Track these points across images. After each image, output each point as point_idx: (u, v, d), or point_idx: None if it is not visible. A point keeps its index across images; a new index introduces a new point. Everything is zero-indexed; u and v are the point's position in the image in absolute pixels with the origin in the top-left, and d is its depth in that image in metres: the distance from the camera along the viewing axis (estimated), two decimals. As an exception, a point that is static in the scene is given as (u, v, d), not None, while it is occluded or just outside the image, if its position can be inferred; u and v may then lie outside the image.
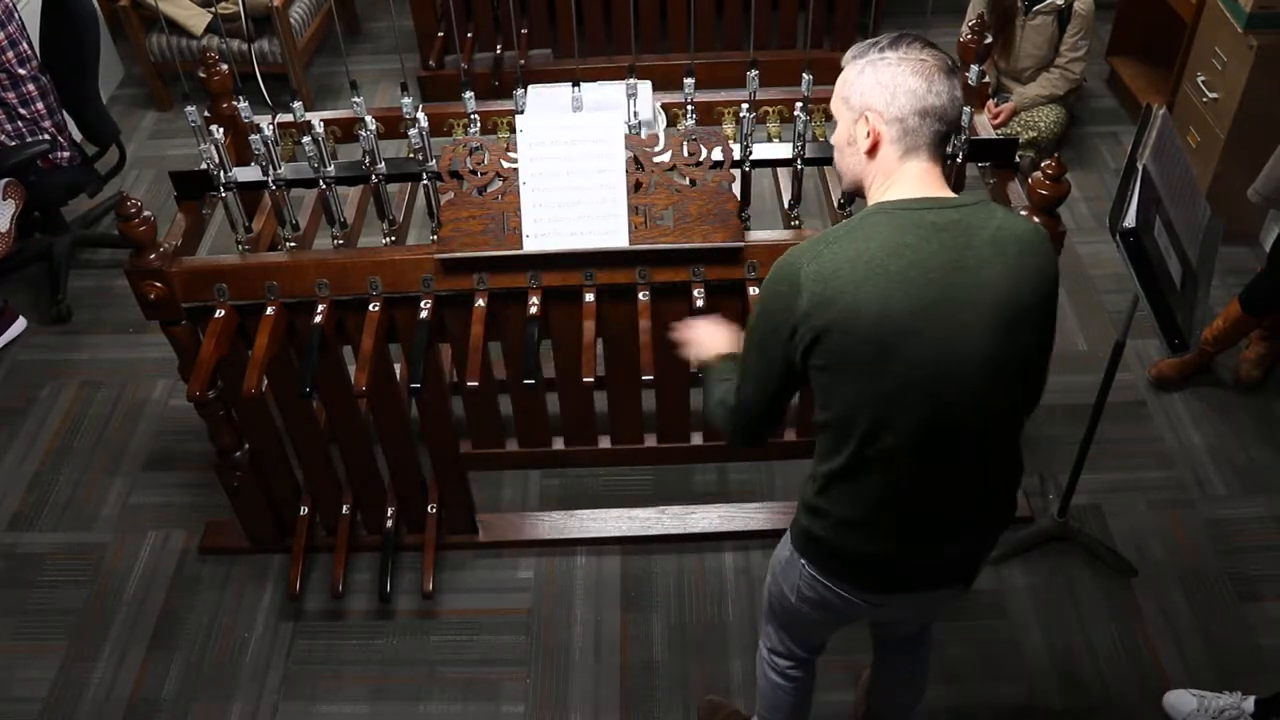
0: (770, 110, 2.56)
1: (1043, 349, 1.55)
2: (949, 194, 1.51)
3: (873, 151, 1.51)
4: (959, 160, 2.29)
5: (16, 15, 3.19)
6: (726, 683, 2.46)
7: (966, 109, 2.22)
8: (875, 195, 1.53)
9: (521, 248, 2.14)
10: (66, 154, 3.41)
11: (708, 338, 1.83)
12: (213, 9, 4.19)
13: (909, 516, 1.59)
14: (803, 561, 1.72)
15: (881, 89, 1.47)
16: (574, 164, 2.11)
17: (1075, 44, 3.68)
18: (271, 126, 2.26)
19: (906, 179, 1.50)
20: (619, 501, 2.83)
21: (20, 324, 3.46)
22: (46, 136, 3.30)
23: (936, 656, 2.49)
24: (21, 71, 3.19)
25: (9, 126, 3.25)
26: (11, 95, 3.20)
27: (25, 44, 3.21)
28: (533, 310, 2.19)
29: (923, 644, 2.08)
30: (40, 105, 3.26)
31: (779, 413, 1.64)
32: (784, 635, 1.97)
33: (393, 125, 2.47)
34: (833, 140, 1.58)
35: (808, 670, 2.04)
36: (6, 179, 3.32)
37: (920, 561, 1.65)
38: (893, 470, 1.54)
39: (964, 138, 2.24)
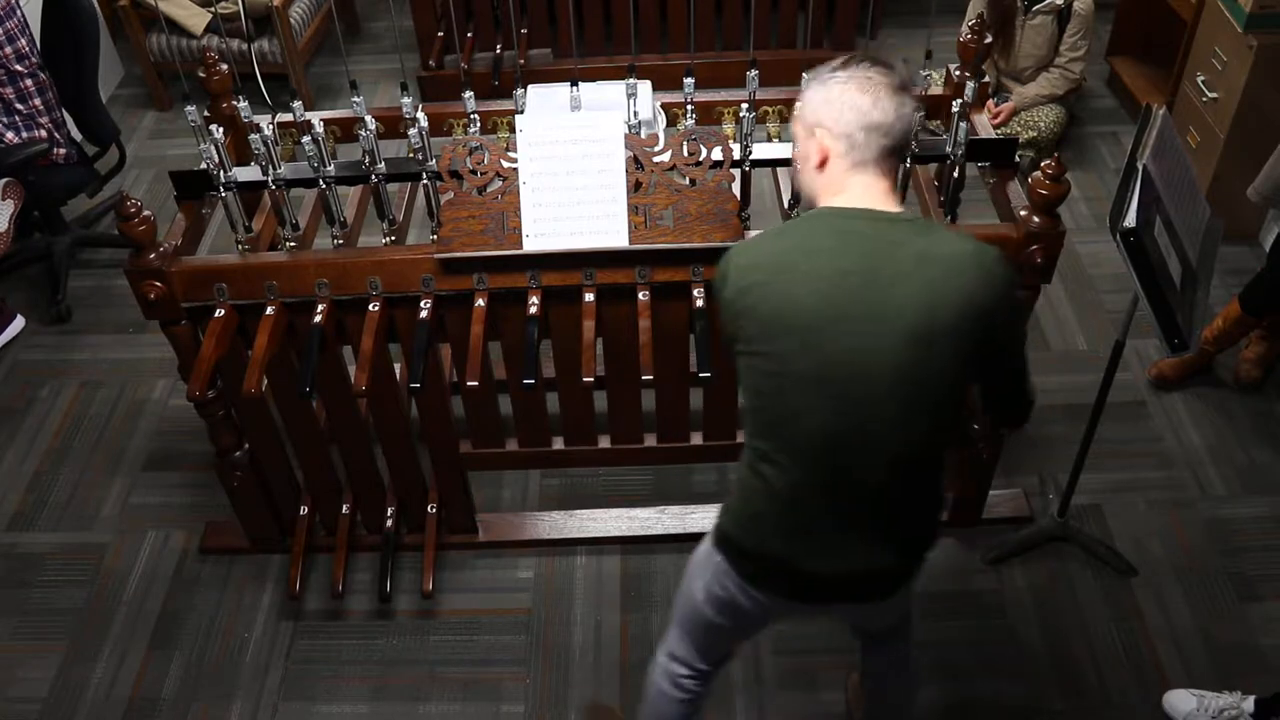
0: (770, 110, 2.56)
1: (958, 375, 1.52)
2: (893, 209, 1.56)
3: (823, 166, 1.57)
4: (958, 161, 2.29)
5: (17, 11, 3.18)
6: (726, 682, 2.46)
7: (966, 111, 2.21)
8: (819, 204, 1.60)
9: (521, 247, 2.14)
10: (63, 150, 3.41)
11: None
12: (213, 9, 4.19)
13: (808, 519, 1.61)
14: (718, 558, 1.74)
15: (829, 106, 1.55)
16: (574, 164, 2.11)
17: (1075, 44, 3.69)
18: (271, 126, 2.26)
19: (852, 191, 1.56)
20: (619, 501, 2.83)
21: (19, 323, 3.46)
22: (43, 133, 3.30)
23: (936, 656, 2.50)
24: (19, 68, 3.19)
25: (3, 121, 3.24)
26: (9, 91, 3.20)
27: (24, 40, 3.20)
28: (532, 310, 2.19)
29: (896, 644, 2.04)
30: (37, 101, 3.26)
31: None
32: (688, 640, 1.92)
33: (393, 125, 2.47)
34: (792, 157, 1.64)
35: (703, 685, 1.96)
36: (6, 179, 3.32)
37: (819, 571, 1.65)
38: (795, 468, 1.57)
39: (963, 138, 2.24)
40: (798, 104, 1.61)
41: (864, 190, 1.55)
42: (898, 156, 1.58)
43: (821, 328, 1.47)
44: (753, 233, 2.23)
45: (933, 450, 1.61)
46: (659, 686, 1.97)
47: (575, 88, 2.28)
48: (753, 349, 1.53)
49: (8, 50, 3.14)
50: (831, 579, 1.66)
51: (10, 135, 3.26)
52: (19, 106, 3.24)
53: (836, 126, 1.54)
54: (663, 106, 2.53)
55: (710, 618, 1.83)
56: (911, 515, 1.66)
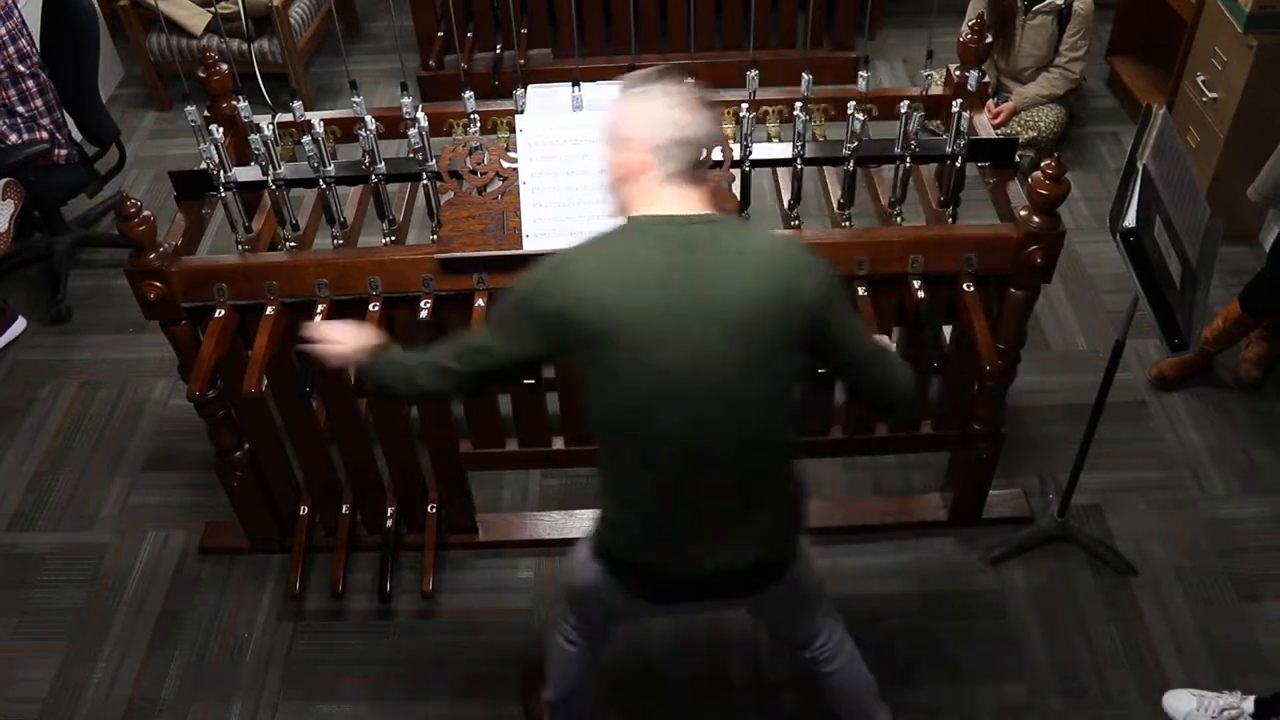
0: (770, 110, 2.56)
1: (789, 364, 1.59)
2: (705, 212, 1.60)
3: (635, 178, 1.60)
4: (958, 161, 2.29)
5: (16, 11, 3.19)
6: (726, 682, 2.46)
7: (966, 111, 2.22)
8: (632, 213, 1.62)
9: (521, 247, 2.14)
10: (64, 152, 3.41)
11: (350, 333, 1.83)
12: (213, 9, 4.18)
13: (668, 522, 1.66)
14: (595, 564, 1.80)
15: (641, 120, 1.58)
16: (574, 164, 2.11)
17: (1075, 44, 3.69)
18: (271, 126, 2.26)
19: (666, 201, 1.59)
20: (619, 501, 2.83)
21: (20, 324, 3.46)
22: (44, 134, 3.30)
23: (937, 656, 2.50)
24: (20, 68, 3.19)
25: (5, 122, 3.24)
26: (11, 92, 3.20)
27: (24, 40, 3.21)
28: (533, 310, 2.19)
29: (818, 647, 2.07)
30: (38, 102, 3.26)
31: (479, 385, 1.72)
32: (574, 613, 2.03)
33: (393, 125, 2.47)
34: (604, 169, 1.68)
35: (590, 642, 2.06)
36: (6, 179, 3.32)
37: (685, 572, 1.71)
38: (647, 472, 1.62)
39: (963, 139, 2.24)
40: (606, 118, 1.65)
41: (678, 199, 1.59)
42: (705, 166, 1.63)
43: (652, 331, 1.52)
44: (753, 233, 2.24)
45: (777, 441, 1.66)
46: (553, 639, 2.10)
47: (576, 88, 2.28)
48: (587, 359, 1.57)
49: (10, 51, 3.14)
50: (698, 578, 1.71)
51: (13, 137, 3.26)
52: (20, 108, 3.24)
53: (650, 140, 1.57)
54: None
55: (590, 601, 1.92)
56: (766, 507, 1.70)
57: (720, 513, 1.66)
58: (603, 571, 1.79)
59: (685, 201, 1.59)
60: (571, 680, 2.12)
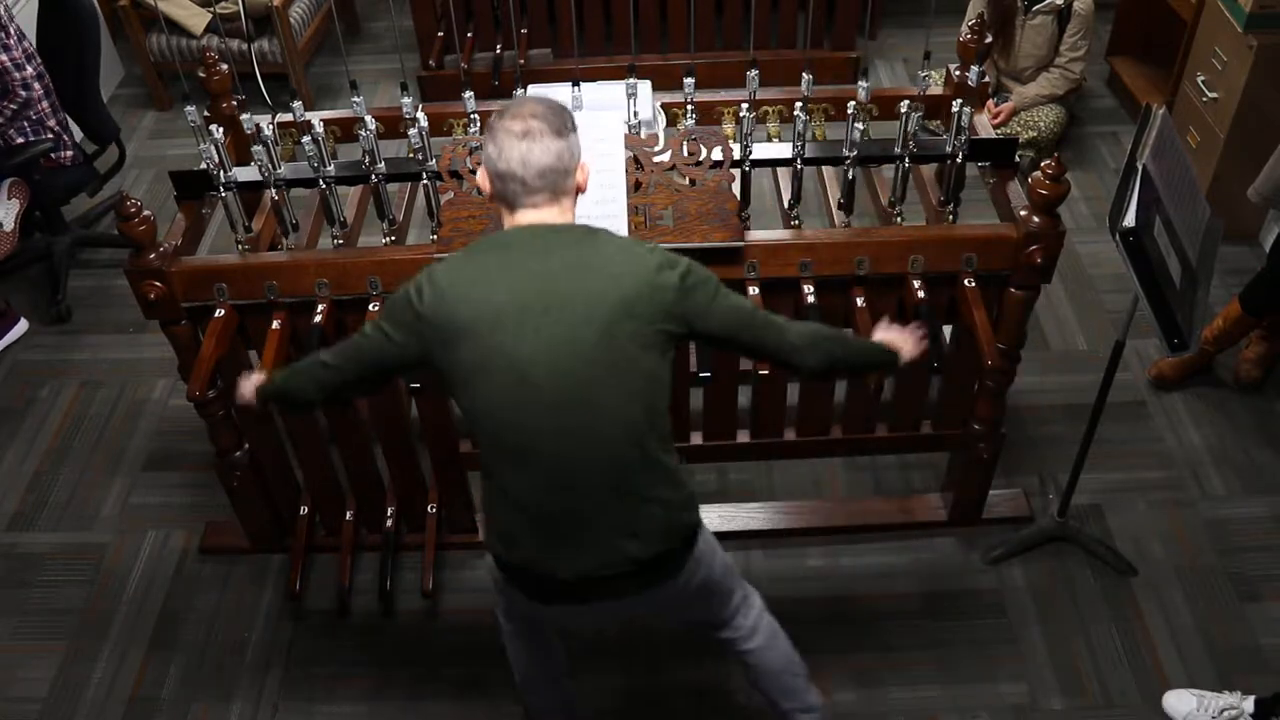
0: (770, 110, 2.56)
1: (649, 352, 1.64)
2: (560, 222, 1.68)
3: (493, 199, 1.70)
4: (958, 161, 2.29)
5: (13, 24, 3.18)
6: (726, 682, 2.46)
7: (967, 110, 2.22)
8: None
9: (521, 248, 2.13)
10: (70, 153, 3.41)
11: (245, 383, 1.98)
12: (213, 9, 4.18)
13: (549, 523, 1.69)
14: (499, 575, 1.85)
15: (489, 145, 1.65)
16: (574, 164, 2.10)
17: (1075, 44, 3.68)
18: (271, 126, 2.26)
19: (524, 215, 1.67)
20: (619, 501, 2.83)
21: (22, 325, 3.46)
22: (50, 135, 3.30)
23: (937, 656, 2.50)
24: (29, 71, 3.18)
25: (14, 127, 3.24)
26: (20, 95, 3.19)
27: (28, 42, 3.20)
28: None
29: (732, 633, 2.07)
30: (45, 105, 3.26)
31: (355, 386, 1.82)
32: (503, 602, 2.04)
33: (393, 125, 2.47)
34: None
35: (521, 624, 2.07)
36: (11, 178, 3.32)
37: (573, 572, 1.72)
38: (517, 475, 1.67)
39: (964, 138, 2.24)
40: None
41: (534, 214, 1.66)
42: (545, 195, 1.65)
43: (504, 327, 1.59)
44: (753, 233, 2.24)
45: (642, 438, 1.67)
46: (498, 624, 2.11)
47: (576, 88, 2.28)
48: (451, 362, 1.63)
49: (16, 54, 3.13)
50: (577, 580, 1.73)
51: (19, 138, 3.26)
52: (28, 112, 3.23)
53: (492, 167, 1.65)
54: (663, 106, 2.53)
55: (512, 625, 2.02)
56: (641, 506, 1.71)
57: (592, 511, 1.68)
58: (495, 571, 1.84)
59: (541, 215, 1.67)
60: (522, 657, 2.11)
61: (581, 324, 1.59)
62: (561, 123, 1.65)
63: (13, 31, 3.15)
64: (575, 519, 1.69)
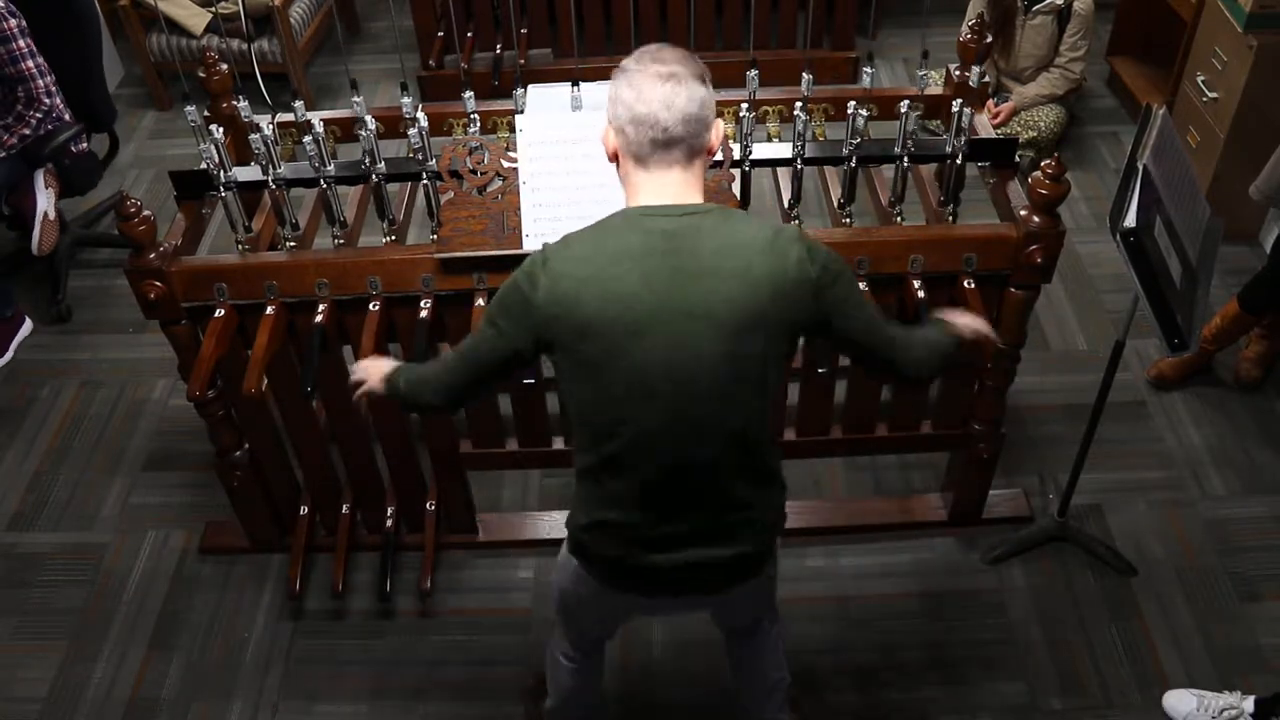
0: (770, 110, 2.56)
1: (776, 355, 1.57)
2: (691, 201, 1.55)
3: (615, 160, 1.59)
4: (958, 161, 2.29)
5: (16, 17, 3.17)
6: (726, 682, 2.46)
7: (967, 110, 2.22)
8: (628, 202, 1.59)
9: (521, 247, 2.13)
10: (85, 146, 3.42)
11: (374, 366, 1.89)
12: (213, 9, 4.18)
13: (651, 519, 1.64)
14: (575, 563, 1.79)
15: (610, 102, 1.54)
16: (574, 164, 2.10)
17: (1075, 44, 3.69)
18: (271, 126, 2.25)
19: (646, 189, 1.55)
20: (619, 501, 2.83)
21: (28, 327, 3.46)
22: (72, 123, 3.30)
23: (937, 656, 2.50)
24: (51, 79, 3.16)
25: (36, 116, 3.21)
26: (44, 103, 3.19)
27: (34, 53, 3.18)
28: (533, 310, 2.19)
29: (757, 637, 2.07)
30: (59, 97, 3.25)
31: (470, 388, 1.71)
32: (565, 629, 2.02)
33: (393, 125, 2.47)
34: None
35: (584, 655, 2.07)
36: (45, 166, 3.32)
37: (667, 565, 1.68)
38: (627, 471, 1.60)
39: (964, 138, 2.24)
40: None
41: (657, 186, 1.54)
42: (684, 149, 1.53)
43: (636, 329, 1.50)
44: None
45: (761, 438, 1.64)
46: (552, 657, 2.10)
47: (575, 87, 2.28)
48: (571, 355, 1.55)
49: (41, 61, 3.12)
50: (680, 572, 1.69)
51: (46, 129, 3.25)
52: (45, 101, 3.21)
53: (614, 120, 1.54)
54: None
55: (578, 611, 1.93)
56: (748, 505, 1.68)
57: (700, 511, 1.65)
58: (580, 569, 1.78)
59: (666, 188, 1.54)
60: (567, 692, 2.12)
61: (712, 331, 1.49)
62: (702, 70, 1.53)
63: (29, 41, 3.14)
64: (683, 517, 1.64)
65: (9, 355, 3.39)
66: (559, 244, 1.56)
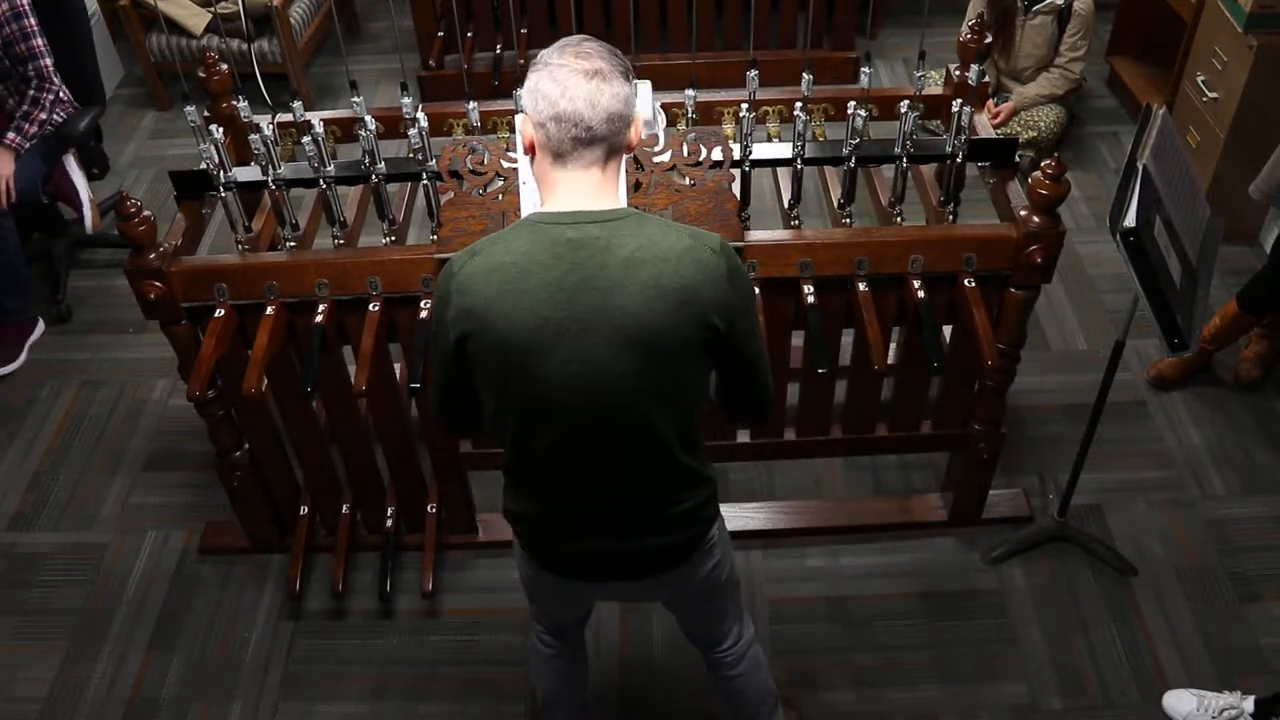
0: (770, 110, 2.56)
1: (691, 367, 1.53)
2: (604, 206, 1.49)
3: (531, 155, 1.53)
4: (958, 161, 2.29)
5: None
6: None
7: (967, 109, 2.21)
8: (542, 202, 1.54)
9: (521, 248, 2.13)
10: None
11: None
12: (213, 9, 4.18)
13: (561, 516, 1.68)
14: (518, 544, 1.82)
15: (530, 94, 1.47)
16: (574, 164, 2.10)
17: (1075, 44, 3.68)
18: (271, 126, 2.25)
19: (561, 189, 1.50)
20: (619, 501, 2.83)
21: (40, 329, 3.46)
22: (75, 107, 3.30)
23: (937, 656, 2.50)
24: (53, 60, 3.16)
25: (49, 97, 3.20)
26: (55, 83, 3.18)
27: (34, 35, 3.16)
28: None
29: (733, 658, 2.06)
30: (65, 92, 3.25)
31: (463, 406, 1.66)
32: (532, 609, 2.05)
33: (393, 125, 2.47)
34: None
35: (566, 645, 2.08)
36: (73, 149, 3.35)
37: (585, 555, 1.71)
38: (542, 474, 1.63)
39: (964, 138, 2.24)
40: None
41: (573, 187, 1.49)
42: (605, 147, 1.48)
43: (542, 347, 1.46)
44: (753, 233, 2.24)
45: (676, 444, 1.59)
46: (534, 646, 2.11)
47: (575, 88, 2.27)
48: (483, 369, 1.53)
49: (30, 21, 3.09)
50: (602, 560, 1.71)
51: (57, 115, 3.25)
52: (55, 80, 3.19)
53: (533, 115, 1.47)
54: (663, 106, 2.53)
55: (534, 594, 1.96)
56: (668, 502, 1.67)
57: (610, 512, 1.66)
58: (522, 551, 1.83)
59: (579, 190, 1.49)
60: (553, 684, 2.12)
61: (620, 345, 1.45)
62: (626, 66, 1.48)
63: (36, 18, 3.12)
64: (592, 516, 1.67)
65: (21, 359, 3.38)
66: (466, 255, 1.50)
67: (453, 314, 1.50)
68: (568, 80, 1.43)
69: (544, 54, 1.48)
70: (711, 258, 1.48)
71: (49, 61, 3.14)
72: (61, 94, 3.22)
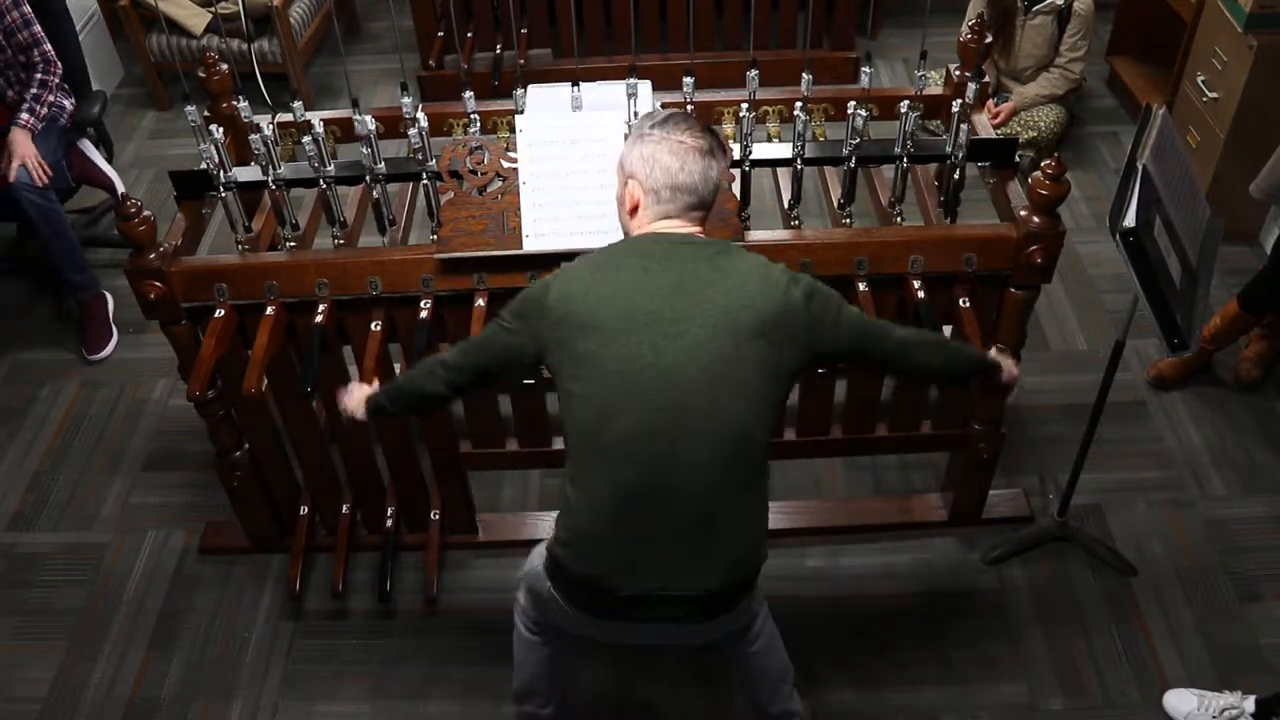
0: (770, 110, 2.56)
1: (768, 371, 1.65)
2: (696, 233, 1.74)
3: (634, 212, 1.75)
4: (958, 160, 2.29)
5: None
6: (725, 683, 2.46)
7: (968, 109, 2.22)
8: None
9: (521, 248, 2.14)
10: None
11: (358, 390, 1.99)
12: (213, 9, 4.19)
13: (630, 535, 1.65)
14: (548, 584, 1.81)
15: (644, 162, 1.72)
16: (574, 164, 2.11)
17: (1075, 44, 3.69)
18: (271, 126, 2.26)
19: (658, 228, 1.73)
20: (619, 501, 2.83)
21: (111, 302, 3.47)
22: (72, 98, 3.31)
23: (937, 655, 2.50)
24: (41, 29, 3.16)
25: (54, 80, 3.20)
26: (58, 67, 3.19)
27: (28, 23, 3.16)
28: (533, 310, 2.19)
29: (750, 636, 2.05)
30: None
31: (475, 374, 1.79)
32: (528, 605, 2.03)
33: (393, 125, 2.47)
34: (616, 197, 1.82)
35: (547, 639, 2.06)
36: (88, 132, 3.39)
37: (621, 587, 1.68)
38: (611, 472, 1.64)
39: (963, 138, 2.24)
40: (621, 152, 1.78)
41: (671, 227, 1.73)
42: (704, 209, 1.75)
43: (632, 327, 1.62)
44: (753, 233, 2.24)
45: (749, 455, 1.66)
46: (516, 629, 2.10)
47: (575, 88, 2.28)
48: (570, 350, 1.65)
49: (28, 8, 3.09)
50: (648, 598, 1.69)
51: (67, 103, 3.26)
52: (57, 64, 3.19)
53: (647, 181, 1.71)
54: (663, 106, 2.53)
55: (544, 612, 1.94)
56: (730, 530, 1.68)
57: (678, 533, 1.65)
58: (543, 580, 1.81)
59: (677, 228, 1.73)
60: (534, 670, 2.10)
61: (708, 340, 1.61)
62: (724, 144, 1.76)
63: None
64: (660, 536, 1.65)
65: (115, 335, 3.41)
66: (580, 260, 1.74)
67: (553, 298, 1.67)
68: (686, 157, 1.69)
69: (652, 129, 1.73)
70: (778, 276, 1.68)
71: (49, 47, 3.16)
72: (63, 82, 3.24)
